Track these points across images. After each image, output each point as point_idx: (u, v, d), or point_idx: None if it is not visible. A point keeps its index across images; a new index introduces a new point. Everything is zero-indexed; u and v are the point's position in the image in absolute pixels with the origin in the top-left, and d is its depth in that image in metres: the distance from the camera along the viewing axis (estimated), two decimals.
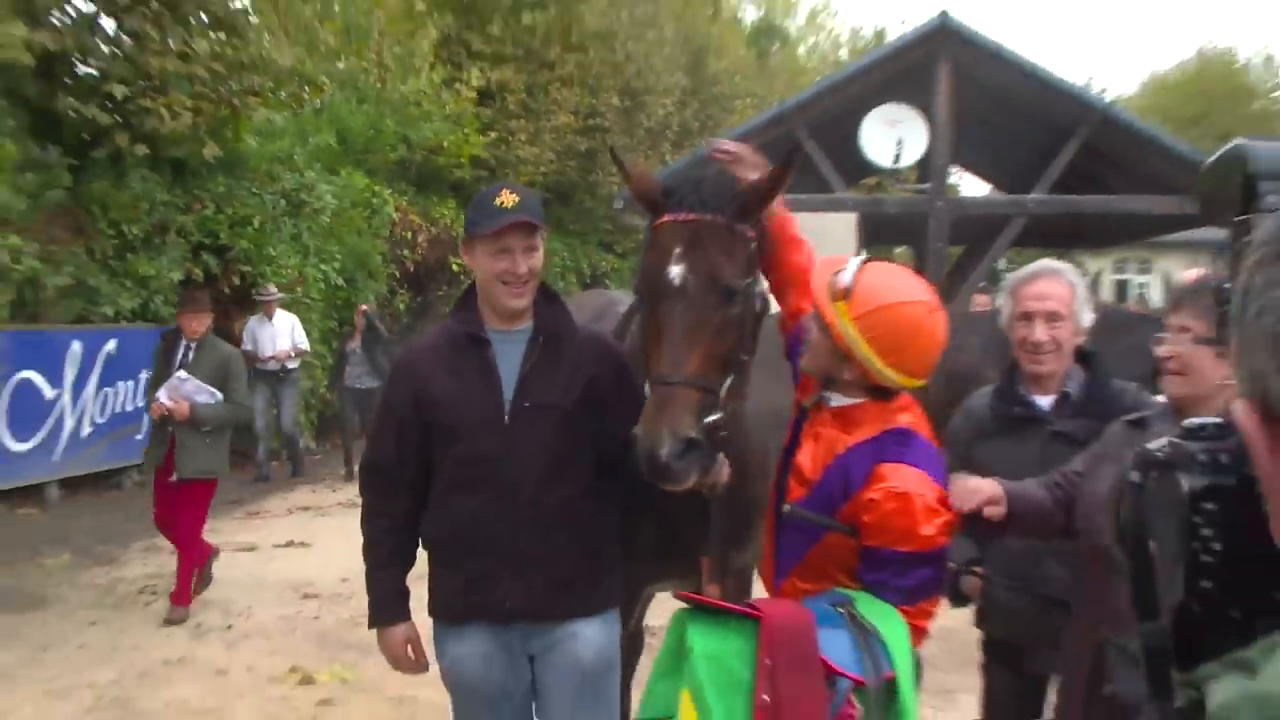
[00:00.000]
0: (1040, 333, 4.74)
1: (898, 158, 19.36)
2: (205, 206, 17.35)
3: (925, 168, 20.62)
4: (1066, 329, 4.75)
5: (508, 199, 4.26)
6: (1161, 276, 41.45)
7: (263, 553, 12.90)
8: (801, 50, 65.40)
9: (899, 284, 3.87)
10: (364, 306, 18.19)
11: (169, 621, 9.81)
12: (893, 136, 19.04)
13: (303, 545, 13.20)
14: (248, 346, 16.72)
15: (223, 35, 16.71)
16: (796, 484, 3.97)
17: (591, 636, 4.43)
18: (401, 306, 23.61)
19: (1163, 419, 3.84)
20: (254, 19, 18.04)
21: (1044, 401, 4.83)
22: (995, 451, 4.82)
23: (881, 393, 3.90)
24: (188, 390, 9.71)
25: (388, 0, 25.21)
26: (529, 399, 4.32)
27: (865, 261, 3.91)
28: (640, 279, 4.09)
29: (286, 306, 17.95)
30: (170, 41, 15.74)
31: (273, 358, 16.80)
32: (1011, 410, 4.88)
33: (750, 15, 61.95)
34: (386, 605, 4.53)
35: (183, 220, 16.86)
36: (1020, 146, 22.97)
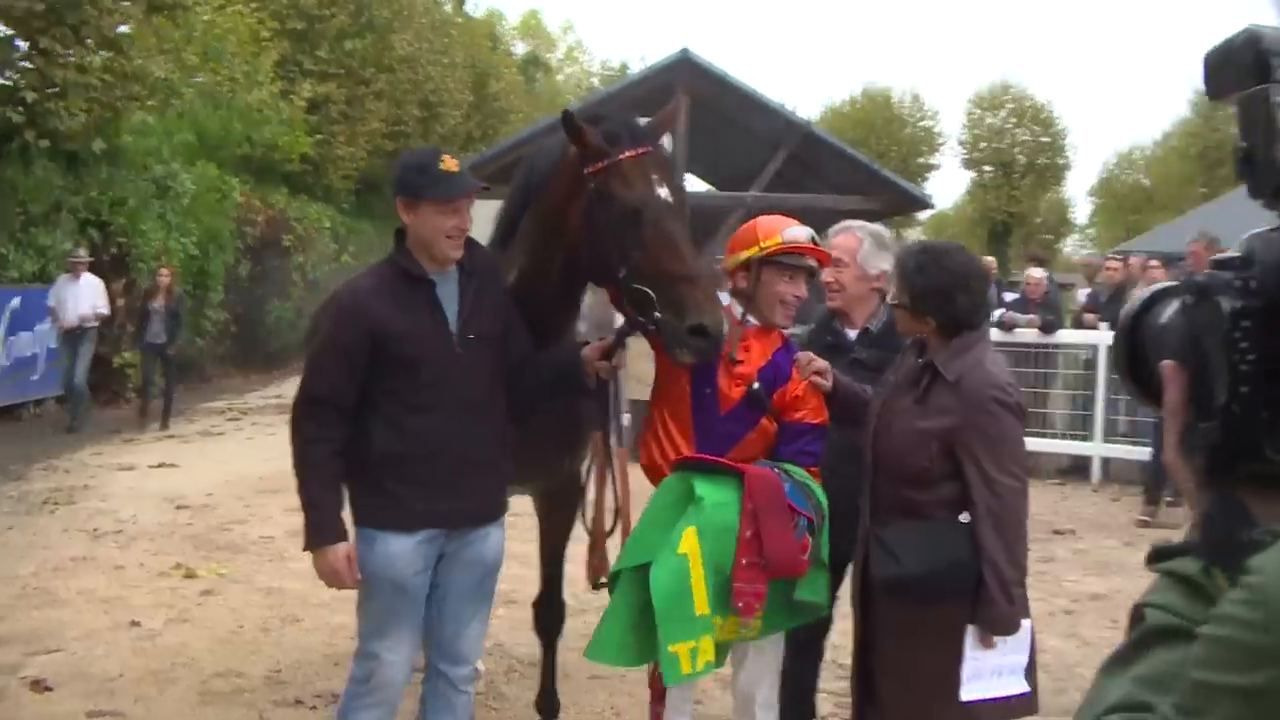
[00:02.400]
0: (828, 275, 4.66)
1: None
2: (92, 190, 16.97)
3: None
4: (849, 273, 4.65)
5: (452, 165, 3.97)
6: None
7: (140, 472, 12.58)
8: (560, 77, 65.42)
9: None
10: (165, 270, 16.55)
11: None
12: None
13: (172, 466, 12.85)
14: (51, 304, 15.44)
15: (111, 53, 16.31)
16: (735, 384, 4.02)
17: (498, 538, 4.25)
18: (244, 273, 23.16)
19: (909, 350, 4.01)
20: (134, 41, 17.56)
21: (851, 334, 4.74)
22: None
23: None
24: None
25: (238, 28, 24.74)
26: (471, 331, 4.03)
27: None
28: (635, 201, 3.85)
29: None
30: (70, 57, 15.40)
31: (76, 327, 15.15)
32: (824, 339, 4.78)
33: (520, 49, 61.82)
34: (331, 525, 4.01)
35: (74, 201, 16.47)
36: (739, 155, 23.07)
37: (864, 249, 4.69)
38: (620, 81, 26.99)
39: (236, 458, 13.26)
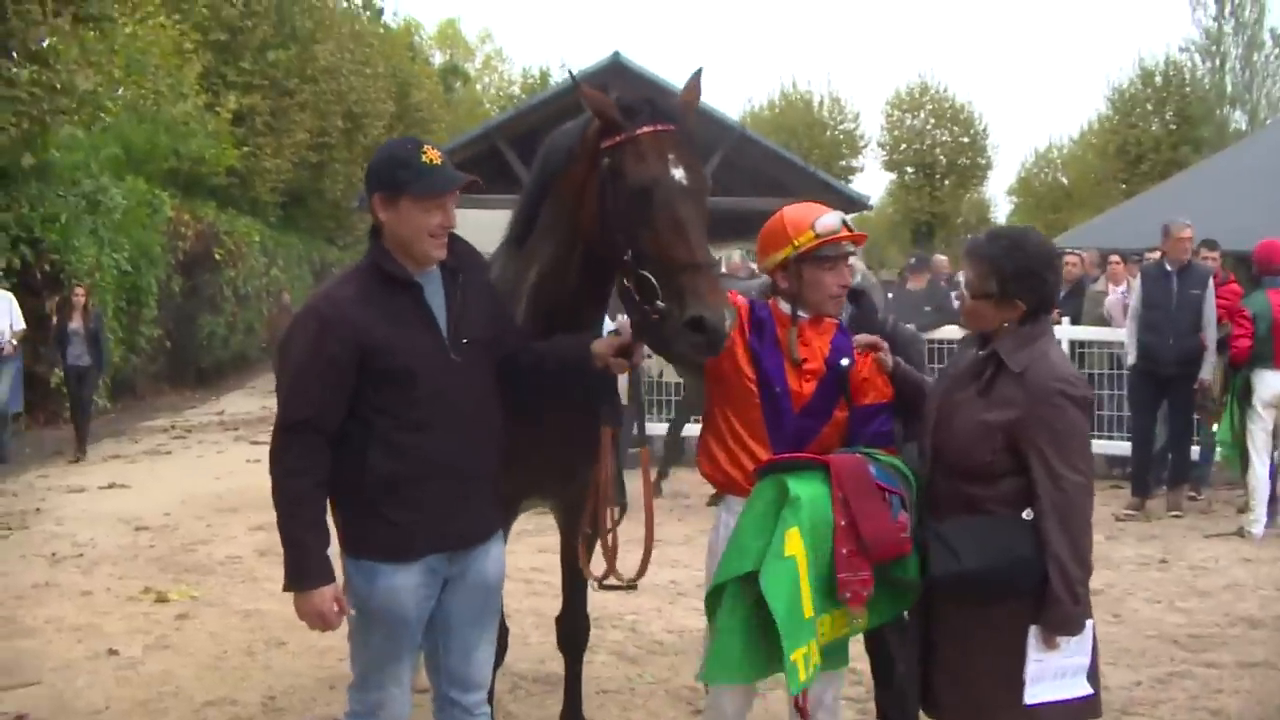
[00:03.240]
0: None
1: None
2: (22, 206, 16.48)
3: None
4: None
5: (435, 156, 3.58)
6: None
7: (91, 493, 12.18)
8: (479, 86, 65.14)
9: None
10: (80, 289, 15.55)
11: None
12: None
13: (123, 486, 12.46)
14: None
15: (37, 66, 15.77)
16: (804, 380, 3.93)
17: (497, 554, 3.91)
18: (176, 288, 22.60)
19: (968, 343, 3.98)
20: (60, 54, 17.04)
21: None
22: None
23: None
24: None
25: (160, 40, 24.23)
26: (464, 335, 3.69)
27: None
28: (646, 180, 3.63)
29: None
30: None
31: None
32: None
33: (439, 59, 61.55)
34: (316, 567, 3.58)
35: (4, 218, 16.01)
36: None
37: None
38: (555, 87, 26.90)
39: (189, 476, 12.92)
